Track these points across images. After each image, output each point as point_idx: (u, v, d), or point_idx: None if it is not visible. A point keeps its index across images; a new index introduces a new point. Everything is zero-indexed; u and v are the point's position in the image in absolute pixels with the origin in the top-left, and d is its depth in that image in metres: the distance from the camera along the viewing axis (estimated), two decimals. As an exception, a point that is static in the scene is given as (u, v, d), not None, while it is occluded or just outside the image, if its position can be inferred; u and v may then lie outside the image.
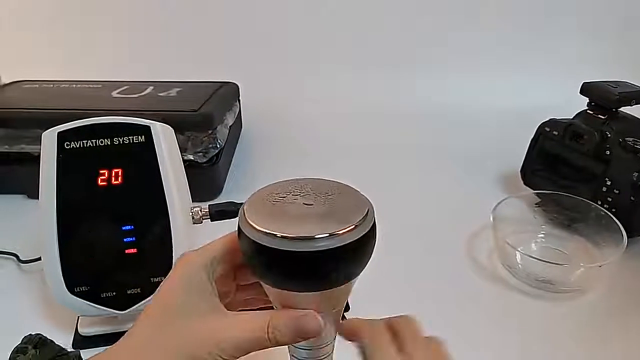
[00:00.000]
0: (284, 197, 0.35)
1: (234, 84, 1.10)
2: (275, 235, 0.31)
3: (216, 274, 0.37)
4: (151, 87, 1.02)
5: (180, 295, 0.36)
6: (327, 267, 0.32)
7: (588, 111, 0.82)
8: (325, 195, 0.35)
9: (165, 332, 0.35)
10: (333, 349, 0.40)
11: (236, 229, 0.35)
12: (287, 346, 0.38)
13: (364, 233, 0.32)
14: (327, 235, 0.31)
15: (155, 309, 0.37)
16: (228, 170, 0.98)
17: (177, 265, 0.38)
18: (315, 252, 0.31)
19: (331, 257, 0.31)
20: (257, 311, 0.36)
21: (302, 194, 0.35)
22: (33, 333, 0.53)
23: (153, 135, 0.56)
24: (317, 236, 0.31)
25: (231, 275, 0.40)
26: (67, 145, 0.54)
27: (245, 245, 0.33)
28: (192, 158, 0.84)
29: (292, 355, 0.40)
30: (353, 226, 0.32)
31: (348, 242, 0.31)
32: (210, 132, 0.86)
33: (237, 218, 0.35)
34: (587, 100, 0.82)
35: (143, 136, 0.56)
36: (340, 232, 0.31)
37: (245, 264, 0.36)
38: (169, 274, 0.38)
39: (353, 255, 0.33)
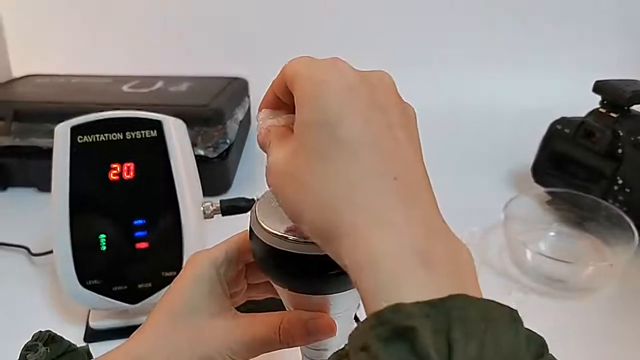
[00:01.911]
0: None
1: (244, 79, 1.10)
2: (287, 238, 0.31)
3: (227, 275, 0.37)
4: (161, 82, 1.02)
5: (190, 295, 0.36)
6: (341, 270, 0.31)
7: (600, 109, 0.81)
8: None
9: (175, 333, 0.35)
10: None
11: (247, 227, 0.35)
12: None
13: None
14: None
15: (165, 308, 0.36)
16: (237, 166, 0.98)
17: (188, 264, 0.38)
18: (327, 256, 0.30)
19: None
20: (269, 312, 0.36)
21: None
22: (43, 330, 0.53)
23: (165, 130, 0.56)
24: None
25: (242, 274, 0.40)
26: (80, 139, 0.54)
27: (256, 247, 0.33)
28: (202, 153, 0.84)
29: (304, 355, 0.40)
30: None
31: None
32: (220, 127, 0.86)
33: (249, 218, 0.34)
34: (598, 98, 0.82)
35: (155, 130, 0.56)
36: None
37: (256, 265, 0.36)
38: (180, 273, 0.37)
39: None
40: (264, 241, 0.32)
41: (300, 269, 0.31)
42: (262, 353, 0.35)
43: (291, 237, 0.30)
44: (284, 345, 0.35)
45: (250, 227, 0.33)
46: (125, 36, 1.36)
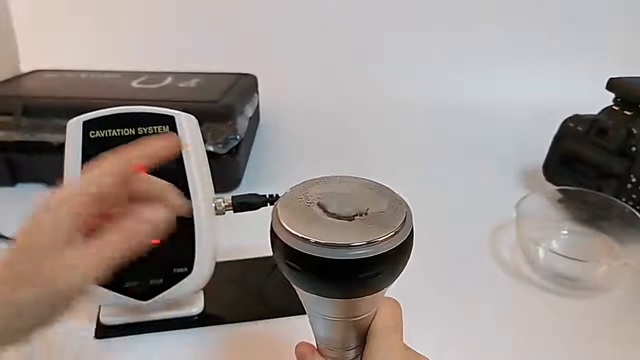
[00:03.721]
0: (320, 197, 0.33)
1: (253, 75, 1.10)
2: (308, 240, 0.30)
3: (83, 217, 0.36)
4: (170, 78, 1.02)
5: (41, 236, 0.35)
6: (362, 276, 0.30)
7: (613, 107, 0.81)
8: (362, 197, 0.33)
9: (17, 266, 0.35)
10: (362, 353, 0.39)
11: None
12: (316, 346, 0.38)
13: (402, 241, 0.30)
14: (364, 243, 0.29)
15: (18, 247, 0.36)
16: (247, 162, 0.98)
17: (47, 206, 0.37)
18: (350, 261, 0.29)
19: (367, 266, 0.29)
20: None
21: (337, 194, 0.33)
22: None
23: (177, 126, 0.55)
24: (353, 244, 0.29)
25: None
26: (92, 134, 0.54)
27: (276, 247, 0.32)
28: (212, 149, 0.84)
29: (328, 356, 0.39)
30: (392, 233, 0.30)
31: (385, 250, 0.29)
32: (230, 123, 0.85)
33: (270, 216, 0.33)
34: (611, 96, 0.81)
35: (167, 126, 0.55)
36: (379, 239, 0.29)
37: (277, 264, 0.35)
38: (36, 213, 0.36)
39: (390, 263, 0.30)
40: (284, 241, 0.31)
41: (321, 273, 0.30)
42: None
43: (313, 240, 0.30)
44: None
45: (272, 227, 0.32)
46: (133, 32, 1.36)
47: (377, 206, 0.32)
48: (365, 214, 0.32)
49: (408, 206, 0.33)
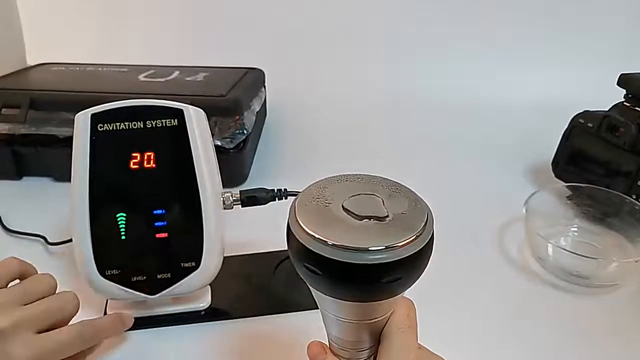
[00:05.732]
0: (338, 197, 0.32)
1: (260, 70, 1.09)
2: (326, 242, 0.29)
3: None
4: (177, 72, 1.01)
5: None
6: (380, 281, 0.29)
7: (625, 103, 0.80)
8: (382, 197, 0.32)
9: None
10: (374, 355, 0.38)
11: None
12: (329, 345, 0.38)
13: (422, 246, 0.29)
14: (383, 247, 0.28)
15: None
16: (254, 157, 0.98)
17: None
18: (369, 265, 0.28)
19: (386, 271, 0.29)
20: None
21: (357, 194, 0.33)
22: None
23: (186, 119, 0.55)
24: (371, 248, 0.28)
25: None
26: (101, 127, 0.54)
27: (293, 246, 0.31)
28: (219, 144, 0.83)
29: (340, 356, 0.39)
30: (413, 237, 0.29)
31: (405, 255, 0.29)
32: (237, 117, 0.85)
33: (287, 214, 0.32)
34: (619, 93, 0.81)
35: (176, 120, 0.55)
36: (399, 244, 0.28)
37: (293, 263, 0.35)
38: None
39: (410, 268, 0.30)
40: (301, 241, 0.30)
41: (337, 276, 0.30)
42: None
43: (331, 242, 0.29)
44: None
45: (289, 226, 0.32)
46: (140, 26, 1.36)
47: (398, 207, 0.31)
48: (386, 215, 0.31)
49: (428, 207, 0.32)
